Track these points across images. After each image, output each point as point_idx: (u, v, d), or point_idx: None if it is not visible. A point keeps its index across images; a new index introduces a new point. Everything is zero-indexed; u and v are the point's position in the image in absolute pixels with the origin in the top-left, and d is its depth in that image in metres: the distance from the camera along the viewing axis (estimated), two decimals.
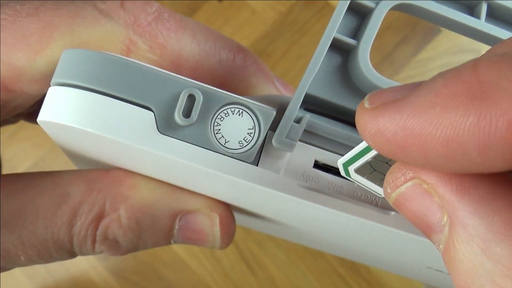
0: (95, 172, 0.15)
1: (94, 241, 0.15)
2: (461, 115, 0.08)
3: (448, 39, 0.42)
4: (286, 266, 0.39)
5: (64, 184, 0.15)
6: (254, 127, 0.12)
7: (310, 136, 0.12)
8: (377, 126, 0.09)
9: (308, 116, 0.12)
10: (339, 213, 0.12)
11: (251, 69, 0.16)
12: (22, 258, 0.15)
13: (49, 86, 0.13)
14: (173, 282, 0.38)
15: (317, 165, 0.13)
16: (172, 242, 0.16)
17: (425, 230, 0.10)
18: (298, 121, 0.12)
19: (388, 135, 0.09)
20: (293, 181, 0.12)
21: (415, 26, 0.42)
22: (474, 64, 0.08)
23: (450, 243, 0.09)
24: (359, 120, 0.10)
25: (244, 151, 0.12)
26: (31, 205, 0.15)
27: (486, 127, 0.08)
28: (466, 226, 0.09)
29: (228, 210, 0.16)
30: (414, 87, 0.09)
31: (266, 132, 0.12)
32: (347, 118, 0.13)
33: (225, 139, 0.12)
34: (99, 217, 0.14)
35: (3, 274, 0.17)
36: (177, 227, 0.15)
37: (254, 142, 0.12)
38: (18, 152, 0.40)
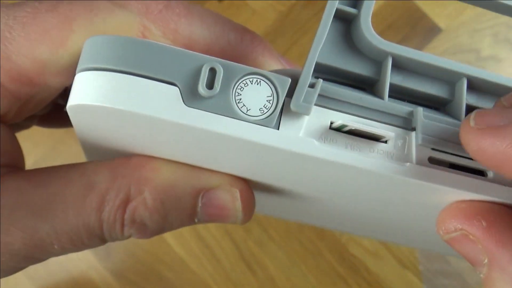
0: (117, 160, 0.16)
1: (122, 225, 0.15)
2: None
3: (448, 39, 0.42)
4: (286, 266, 0.39)
5: (89, 174, 0.15)
6: (272, 94, 0.13)
7: (324, 100, 0.13)
8: (479, 145, 0.12)
9: (321, 81, 0.13)
10: (356, 167, 0.13)
11: (258, 48, 0.17)
12: (55, 247, 0.15)
13: (72, 77, 0.13)
14: (173, 282, 0.38)
15: (333, 127, 0.14)
16: (196, 221, 0.16)
17: (471, 262, 0.13)
18: (312, 86, 0.13)
19: (488, 155, 0.11)
20: (313, 140, 0.13)
21: (415, 26, 0.42)
22: None
23: (489, 277, 0.13)
24: (463, 136, 0.12)
25: (266, 117, 0.13)
26: (60, 195, 0.15)
27: None
28: (503, 270, 0.12)
29: (247, 185, 0.17)
30: None
31: (283, 98, 0.13)
32: (354, 83, 0.14)
33: (247, 108, 0.13)
34: (126, 201, 0.15)
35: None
36: (200, 205, 0.16)
37: (274, 108, 0.13)
38: None
